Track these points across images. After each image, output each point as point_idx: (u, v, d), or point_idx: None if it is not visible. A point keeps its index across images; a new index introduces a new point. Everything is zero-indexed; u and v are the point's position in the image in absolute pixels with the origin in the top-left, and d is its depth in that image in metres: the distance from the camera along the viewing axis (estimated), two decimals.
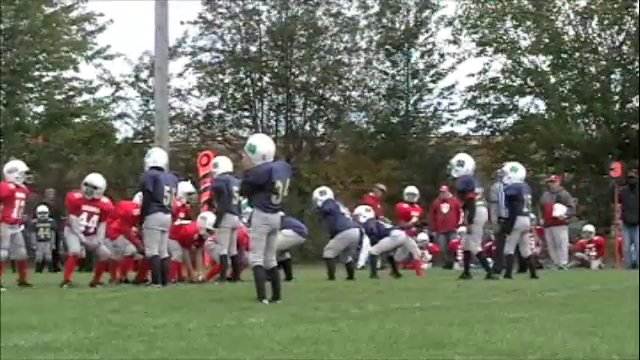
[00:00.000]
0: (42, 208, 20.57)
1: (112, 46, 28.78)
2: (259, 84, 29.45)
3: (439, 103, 29.79)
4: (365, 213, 15.71)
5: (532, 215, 16.45)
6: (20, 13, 27.45)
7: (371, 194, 19.54)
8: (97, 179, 13.47)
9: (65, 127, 28.38)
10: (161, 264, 12.45)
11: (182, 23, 28.74)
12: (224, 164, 13.78)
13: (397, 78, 29.84)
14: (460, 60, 29.00)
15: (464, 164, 13.87)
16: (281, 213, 9.26)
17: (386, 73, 29.85)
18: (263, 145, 9.20)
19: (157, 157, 12.71)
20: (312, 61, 29.18)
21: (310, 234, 15.84)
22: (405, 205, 18.52)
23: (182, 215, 13.96)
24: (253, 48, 29.36)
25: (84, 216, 13.19)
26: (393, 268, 15.56)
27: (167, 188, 12.32)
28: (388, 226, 15.69)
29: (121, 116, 29.58)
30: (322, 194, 14.94)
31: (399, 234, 15.56)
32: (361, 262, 17.70)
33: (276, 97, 29.79)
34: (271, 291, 9.03)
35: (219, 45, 29.36)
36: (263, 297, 8.87)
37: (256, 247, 9.09)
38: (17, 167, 13.08)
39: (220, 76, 29.50)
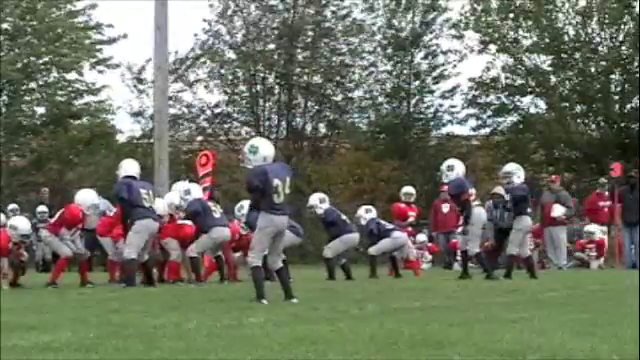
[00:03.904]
0: (42, 208, 20.47)
1: (115, 57, 28.86)
2: (265, 83, 29.45)
3: (440, 105, 29.77)
4: (365, 215, 15.70)
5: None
6: (26, 15, 27.44)
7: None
8: (95, 197, 13.95)
9: (65, 128, 28.36)
10: (145, 266, 12.83)
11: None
12: (196, 190, 14.02)
13: (400, 78, 29.75)
14: (462, 57, 28.95)
15: (454, 168, 13.98)
16: (286, 216, 9.22)
17: (390, 73, 29.79)
18: (264, 147, 9.32)
19: (128, 167, 12.94)
20: (316, 61, 29.16)
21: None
22: (402, 205, 18.31)
23: (182, 215, 13.98)
24: (259, 47, 29.36)
25: (73, 230, 13.64)
26: (394, 268, 15.58)
27: (144, 191, 12.53)
28: (390, 226, 15.69)
29: (136, 114, 29.45)
30: (322, 202, 15.01)
31: (400, 235, 15.57)
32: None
33: (278, 97, 29.77)
34: (283, 291, 9.07)
35: (229, 39, 29.45)
36: (262, 297, 8.88)
37: (257, 248, 9.12)
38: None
39: (229, 70, 29.48)
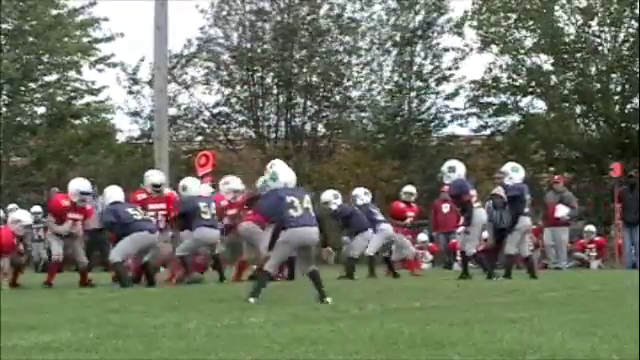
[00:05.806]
0: (36, 208, 20.36)
1: (116, 54, 28.86)
2: (263, 83, 29.44)
3: (446, 106, 29.72)
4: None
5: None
6: (25, 14, 27.43)
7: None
8: (85, 185, 13.75)
9: (66, 128, 28.35)
10: (146, 267, 13.00)
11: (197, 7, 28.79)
12: (195, 186, 14.03)
13: (402, 77, 29.70)
14: (464, 56, 28.90)
15: (455, 169, 13.93)
16: (312, 227, 9.03)
17: (393, 70, 29.74)
18: (284, 174, 9.25)
19: (112, 194, 13.22)
20: (314, 61, 29.15)
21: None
22: (402, 205, 17.76)
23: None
24: (258, 47, 29.35)
25: (69, 223, 13.49)
26: (390, 268, 15.56)
27: (131, 210, 12.84)
28: (379, 217, 15.54)
29: (134, 114, 29.42)
30: (336, 197, 15.03)
31: (386, 227, 15.40)
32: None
33: (277, 97, 29.75)
34: (317, 293, 9.00)
35: (224, 41, 29.44)
36: (255, 296, 8.82)
37: (275, 259, 9.15)
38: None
39: (228, 71, 29.46)
